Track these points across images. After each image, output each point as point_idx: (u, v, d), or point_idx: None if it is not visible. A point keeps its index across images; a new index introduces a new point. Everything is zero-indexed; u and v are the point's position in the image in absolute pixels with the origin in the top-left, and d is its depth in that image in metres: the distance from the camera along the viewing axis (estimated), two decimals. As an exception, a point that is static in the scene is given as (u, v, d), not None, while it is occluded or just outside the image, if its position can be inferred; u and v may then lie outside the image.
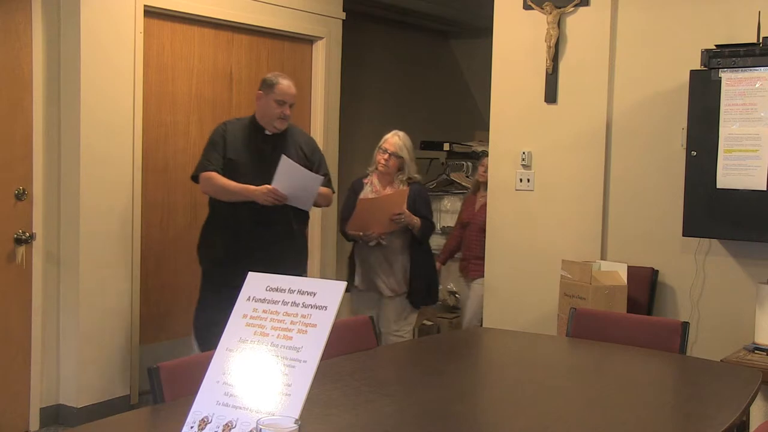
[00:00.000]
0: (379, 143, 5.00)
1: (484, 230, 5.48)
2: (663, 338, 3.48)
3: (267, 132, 4.59)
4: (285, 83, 4.59)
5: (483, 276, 5.46)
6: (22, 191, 4.62)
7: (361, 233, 4.91)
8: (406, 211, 4.83)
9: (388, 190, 4.97)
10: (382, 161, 4.93)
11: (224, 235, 4.61)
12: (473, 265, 5.75)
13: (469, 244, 5.79)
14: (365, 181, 5.06)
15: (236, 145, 4.54)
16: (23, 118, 4.63)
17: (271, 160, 4.43)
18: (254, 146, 4.57)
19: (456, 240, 6.02)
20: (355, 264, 5.12)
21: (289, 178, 4.40)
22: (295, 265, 4.67)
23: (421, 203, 4.98)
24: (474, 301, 5.77)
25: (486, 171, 5.61)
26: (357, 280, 5.08)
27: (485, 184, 5.63)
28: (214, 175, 4.50)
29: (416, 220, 4.88)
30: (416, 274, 5.01)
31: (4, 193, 4.56)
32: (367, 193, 5.01)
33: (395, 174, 4.96)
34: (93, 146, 4.81)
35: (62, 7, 4.74)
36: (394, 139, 4.94)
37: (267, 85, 4.58)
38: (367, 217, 4.87)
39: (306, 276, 4.71)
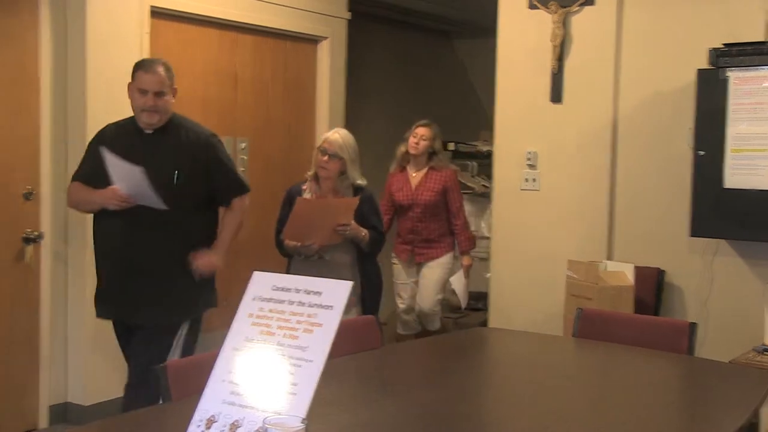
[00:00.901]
0: (317, 143, 4.44)
1: (433, 212, 5.48)
2: (670, 339, 3.46)
3: (147, 131, 3.80)
4: (146, 67, 3.83)
5: (437, 258, 5.54)
6: (29, 191, 4.63)
7: (299, 244, 4.24)
8: (353, 222, 4.20)
9: (330, 198, 4.34)
10: (322, 163, 4.26)
11: (96, 257, 3.99)
12: (420, 248, 5.58)
13: (414, 227, 5.55)
14: (303, 187, 4.40)
15: (114, 150, 3.68)
16: (30, 118, 4.64)
17: (151, 164, 3.63)
18: (131, 149, 3.72)
19: (389, 222, 5.55)
20: None
21: (123, 175, 3.69)
22: (164, 313, 3.79)
23: (370, 212, 4.35)
24: (430, 284, 5.61)
25: (419, 142, 5.50)
26: None
27: (417, 157, 5.53)
28: (75, 185, 3.87)
29: (364, 233, 4.25)
30: (369, 293, 4.41)
31: (13, 193, 4.57)
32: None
33: (337, 178, 4.30)
34: (99, 146, 4.81)
35: (69, 8, 4.75)
36: (334, 137, 4.27)
37: (132, 73, 3.87)
38: (307, 224, 4.24)
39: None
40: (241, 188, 4.01)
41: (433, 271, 5.61)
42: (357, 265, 4.36)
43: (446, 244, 5.61)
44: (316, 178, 4.35)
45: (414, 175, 5.59)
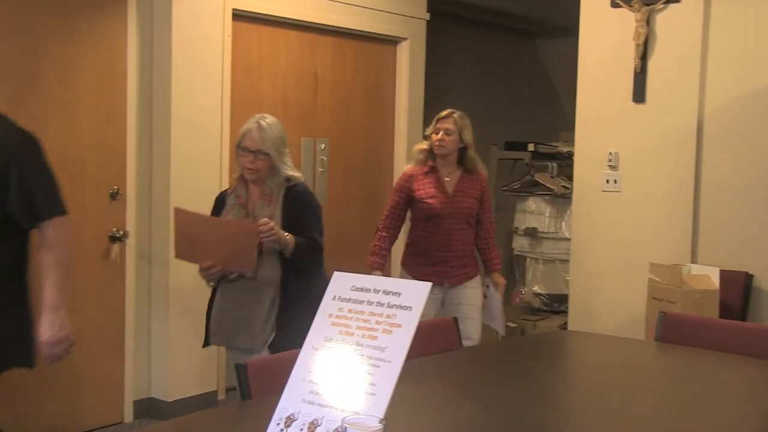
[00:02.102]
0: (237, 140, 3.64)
1: (470, 223, 4.59)
2: (760, 345, 3.37)
3: None
4: None
5: (474, 277, 4.64)
6: (116, 191, 4.75)
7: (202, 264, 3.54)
8: (275, 228, 3.46)
9: (256, 199, 3.63)
10: (246, 164, 3.58)
11: None
12: (456, 268, 4.58)
13: (450, 243, 4.54)
14: (229, 191, 3.75)
15: None
16: (118, 120, 4.76)
17: None
18: None
19: (394, 234, 4.69)
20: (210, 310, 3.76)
21: None
22: None
23: (301, 212, 3.63)
24: (476, 311, 4.65)
25: (443, 138, 4.49)
26: (212, 333, 3.78)
27: (446, 157, 4.54)
28: None
29: (286, 238, 3.50)
30: (285, 319, 3.55)
31: (100, 193, 4.70)
32: (229, 208, 3.67)
33: (268, 178, 3.62)
34: (183, 148, 4.91)
35: (155, 12, 4.86)
36: (253, 132, 3.58)
37: None
38: (194, 241, 3.57)
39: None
40: (53, 207, 2.86)
41: (475, 293, 4.65)
42: (280, 283, 3.58)
43: (475, 259, 4.73)
44: (243, 180, 3.67)
45: (448, 178, 4.58)
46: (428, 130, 4.62)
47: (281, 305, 3.55)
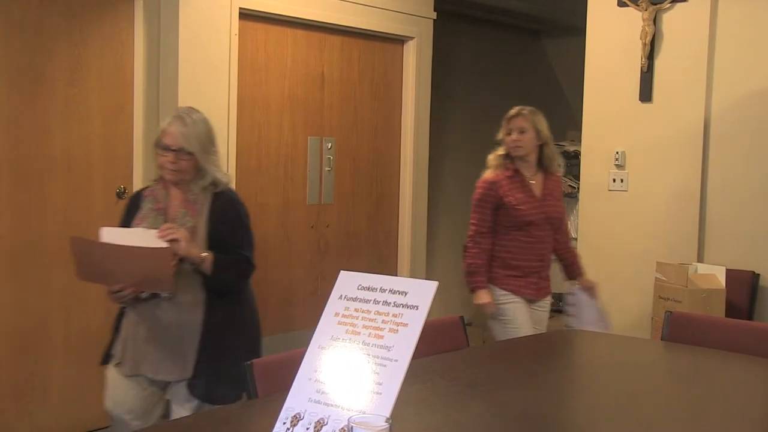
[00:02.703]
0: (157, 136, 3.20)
1: (555, 228, 4.25)
2: (766, 345, 3.36)
3: None
4: None
5: (550, 293, 4.43)
6: (122, 190, 4.75)
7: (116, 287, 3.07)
8: (183, 244, 3.00)
9: (178, 205, 3.16)
10: (166, 164, 3.12)
11: None
12: (545, 279, 4.32)
13: (543, 251, 4.23)
14: (146, 193, 3.28)
15: None
16: (125, 119, 4.77)
17: None
18: None
19: (488, 248, 4.17)
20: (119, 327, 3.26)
21: None
22: None
23: (229, 223, 3.20)
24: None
25: (518, 138, 4.13)
26: (118, 356, 3.25)
27: (525, 157, 4.17)
28: None
29: (202, 257, 3.03)
30: (209, 345, 3.13)
31: (107, 191, 4.70)
32: (145, 214, 3.19)
33: (192, 181, 3.16)
34: (190, 146, 4.92)
35: (162, 11, 4.86)
36: (174, 128, 3.11)
37: None
38: (96, 265, 3.09)
39: None
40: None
41: (546, 315, 4.42)
42: (205, 306, 3.14)
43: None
44: (162, 182, 3.23)
45: (533, 181, 4.20)
46: (500, 134, 4.24)
47: (204, 332, 3.11)
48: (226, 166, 5.14)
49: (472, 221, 4.18)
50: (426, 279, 2.11)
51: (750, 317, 4.54)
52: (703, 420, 2.54)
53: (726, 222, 4.76)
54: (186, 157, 3.10)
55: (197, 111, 3.21)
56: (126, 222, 3.23)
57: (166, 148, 3.11)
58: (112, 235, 3.07)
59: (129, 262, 2.97)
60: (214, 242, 3.10)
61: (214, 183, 3.17)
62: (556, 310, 6.76)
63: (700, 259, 4.79)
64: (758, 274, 4.61)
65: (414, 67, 6.35)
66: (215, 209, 3.16)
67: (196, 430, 2.28)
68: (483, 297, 4.11)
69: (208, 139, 3.17)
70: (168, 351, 3.11)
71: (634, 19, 4.95)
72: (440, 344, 3.19)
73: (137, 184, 4.81)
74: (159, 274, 2.94)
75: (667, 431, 2.42)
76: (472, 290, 4.14)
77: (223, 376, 3.06)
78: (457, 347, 3.31)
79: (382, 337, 2.00)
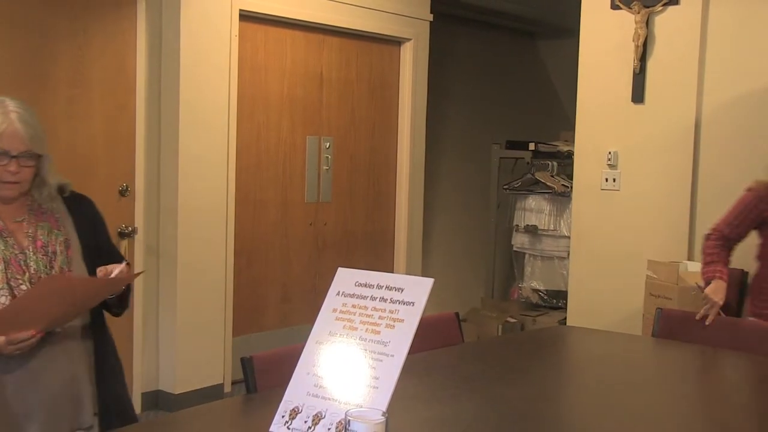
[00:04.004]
0: None
1: None
2: (753, 341, 3.37)
3: None
4: None
5: None
6: (125, 188, 4.76)
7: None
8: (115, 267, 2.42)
9: (29, 222, 2.44)
10: (7, 176, 2.35)
11: None
12: None
13: None
14: None
15: None
16: (127, 118, 4.77)
17: None
18: None
19: (732, 246, 3.85)
20: None
21: None
22: None
23: (101, 229, 2.64)
24: None
25: None
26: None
27: None
28: None
29: (124, 273, 2.43)
30: (106, 381, 2.59)
31: (109, 189, 4.71)
32: None
33: (35, 190, 2.47)
34: (190, 145, 4.92)
35: (164, 13, 4.87)
36: (18, 127, 2.34)
37: None
38: (25, 312, 2.30)
39: None
40: None
41: None
42: (90, 330, 2.58)
43: None
44: None
45: None
46: None
47: (96, 362, 2.58)
48: (226, 164, 5.14)
49: (727, 215, 3.87)
50: (422, 276, 2.12)
51: (739, 314, 4.54)
52: (692, 415, 2.55)
53: (715, 220, 4.77)
54: (30, 164, 2.38)
55: (15, 99, 2.42)
56: None
57: (5, 155, 2.32)
58: None
59: (82, 296, 2.41)
60: (91, 253, 2.52)
61: (61, 188, 2.52)
62: (550, 306, 6.79)
63: (690, 257, 4.79)
64: (747, 272, 4.61)
65: (411, 68, 6.36)
66: (80, 217, 2.55)
67: (197, 424, 2.28)
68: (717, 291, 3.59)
69: (44, 134, 2.44)
70: (82, 392, 2.50)
71: (627, 21, 4.95)
72: (436, 340, 3.19)
73: (140, 182, 4.81)
74: (91, 303, 2.48)
75: (657, 426, 2.43)
76: (708, 280, 3.66)
77: (124, 403, 2.64)
78: (452, 343, 3.31)
79: (378, 332, 2.01)
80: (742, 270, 4.61)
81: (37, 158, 2.41)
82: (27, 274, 2.39)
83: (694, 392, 2.83)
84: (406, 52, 6.36)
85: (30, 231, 2.43)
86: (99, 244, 2.59)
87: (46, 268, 2.41)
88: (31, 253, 2.40)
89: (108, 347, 2.65)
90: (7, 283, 2.35)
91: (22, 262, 2.39)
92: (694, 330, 3.52)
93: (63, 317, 2.41)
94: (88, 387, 2.53)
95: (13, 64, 4.30)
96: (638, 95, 4.96)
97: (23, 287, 2.36)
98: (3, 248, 2.38)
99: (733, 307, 4.53)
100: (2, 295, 2.35)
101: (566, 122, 6.45)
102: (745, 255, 4.62)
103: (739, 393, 2.88)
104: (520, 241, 6.91)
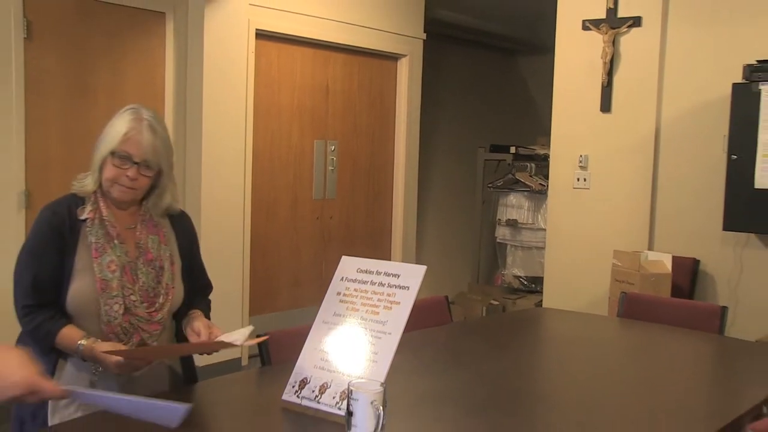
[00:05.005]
0: (106, 136, 2.22)
1: None
2: (703, 320, 3.39)
3: None
4: None
5: None
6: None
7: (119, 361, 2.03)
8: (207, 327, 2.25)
9: (140, 232, 2.23)
10: (122, 179, 2.16)
11: None
12: None
13: None
14: (86, 215, 2.16)
15: None
16: (156, 124, 4.77)
17: None
18: None
19: None
20: None
21: None
22: None
23: (195, 251, 2.44)
24: None
25: None
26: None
27: None
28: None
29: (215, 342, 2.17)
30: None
31: (140, 187, 4.71)
32: (100, 244, 2.14)
33: (145, 200, 2.28)
34: (212, 148, 4.92)
35: (189, 31, 4.86)
36: (145, 137, 2.16)
37: None
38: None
39: None
40: None
41: None
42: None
43: None
44: (103, 200, 2.20)
45: None
46: None
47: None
48: (243, 164, 5.14)
49: None
50: (415, 264, 2.13)
51: (691, 297, 4.57)
52: (652, 384, 2.57)
53: (672, 216, 4.78)
54: (148, 174, 2.20)
55: (156, 113, 2.27)
56: (59, 249, 2.10)
57: (127, 159, 2.16)
58: None
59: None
60: (187, 271, 2.34)
61: (170, 206, 2.33)
62: (528, 290, 6.80)
63: (650, 247, 4.81)
64: (698, 261, 4.63)
65: (406, 81, 6.36)
66: (181, 234, 2.38)
67: (218, 392, 2.29)
68: None
69: (172, 152, 2.28)
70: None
71: (596, 41, 4.96)
72: (428, 320, 3.20)
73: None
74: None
75: (621, 394, 2.44)
76: None
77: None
78: (442, 323, 3.32)
79: (377, 313, 2.02)
80: (694, 258, 4.63)
81: (158, 171, 2.21)
82: (137, 284, 2.17)
83: (653, 366, 2.85)
84: (402, 67, 6.35)
85: (141, 241, 2.22)
86: (192, 264, 2.37)
87: (153, 282, 2.20)
88: (141, 264, 2.19)
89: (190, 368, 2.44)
90: (122, 291, 2.13)
91: (132, 271, 2.17)
92: (654, 311, 3.54)
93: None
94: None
95: (61, 76, 4.31)
96: (606, 105, 4.97)
97: (133, 297, 2.14)
98: (120, 254, 2.16)
99: (685, 291, 4.56)
100: (116, 303, 2.12)
101: (542, 128, 6.45)
102: (697, 244, 4.65)
103: (691, 365, 2.90)
104: (502, 233, 6.92)
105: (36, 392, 1.50)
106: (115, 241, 2.16)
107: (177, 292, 2.26)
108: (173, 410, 1.61)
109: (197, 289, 2.37)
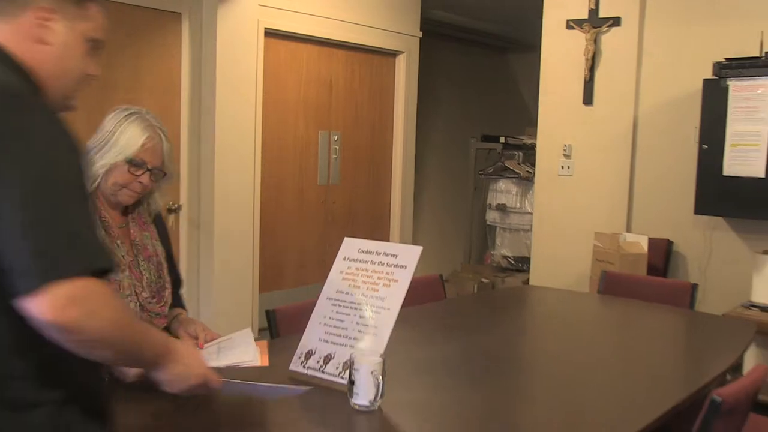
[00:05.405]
0: (117, 143, 2.10)
1: None
2: (676, 297, 3.42)
3: None
4: None
5: None
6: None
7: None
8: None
9: (135, 230, 2.15)
10: (136, 187, 2.09)
11: None
12: None
13: None
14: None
15: None
16: (173, 117, 4.77)
17: None
18: None
19: None
20: None
21: None
22: None
23: (170, 247, 2.29)
24: None
25: None
26: None
27: None
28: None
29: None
30: None
31: (158, 175, 4.71)
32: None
33: (142, 201, 2.20)
34: (225, 138, 4.92)
35: (204, 30, 4.85)
36: (159, 144, 2.16)
37: None
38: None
39: None
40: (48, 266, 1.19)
41: None
42: None
43: None
44: (105, 200, 2.10)
45: None
46: None
47: None
48: (253, 156, 5.14)
49: None
50: (412, 245, 2.14)
51: (665, 275, 4.59)
52: (629, 354, 2.59)
53: (648, 201, 4.80)
54: (158, 179, 2.13)
55: (151, 113, 2.20)
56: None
57: (141, 166, 2.06)
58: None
59: None
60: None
61: (155, 206, 2.22)
62: (516, 269, 6.82)
63: (628, 229, 4.82)
64: (672, 242, 4.65)
65: (404, 76, 6.34)
66: (160, 229, 2.26)
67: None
68: None
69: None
70: None
71: (579, 39, 4.95)
72: (423, 296, 3.22)
73: (184, 168, 4.81)
74: None
75: (601, 364, 2.47)
76: None
77: None
78: (437, 299, 3.34)
79: (377, 290, 2.04)
80: (668, 240, 4.65)
81: (164, 176, 2.15)
82: (143, 281, 2.09)
83: (631, 338, 2.87)
84: (400, 63, 6.34)
85: (137, 239, 2.12)
86: (169, 257, 2.26)
87: (155, 276, 2.13)
88: (142, 261, 2.11)
89: None
90: (133, 290, 2.05)
91: (136, 269, 2.09)
92: (631, 288, 3.57)
93: None
94: None
95: (82, 73, 4.29)
96: (588, 99, 4.97)
97: (144, 294, 2.07)
98: (123, 254, 2.06)
99: (660, 270, 4.58)
100: (131, 302, 2.03)
101: (530, 120, 6.45)
102: (671, 226, 4.67)
103: (665, 338, 2.93)
104: (492, 216, 6.94)
105: (207, 384, 1.57)
106: (117, 242, 2.07)
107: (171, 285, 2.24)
108: (296, 390, 1.86)
109: (174, 282, 2.28)
